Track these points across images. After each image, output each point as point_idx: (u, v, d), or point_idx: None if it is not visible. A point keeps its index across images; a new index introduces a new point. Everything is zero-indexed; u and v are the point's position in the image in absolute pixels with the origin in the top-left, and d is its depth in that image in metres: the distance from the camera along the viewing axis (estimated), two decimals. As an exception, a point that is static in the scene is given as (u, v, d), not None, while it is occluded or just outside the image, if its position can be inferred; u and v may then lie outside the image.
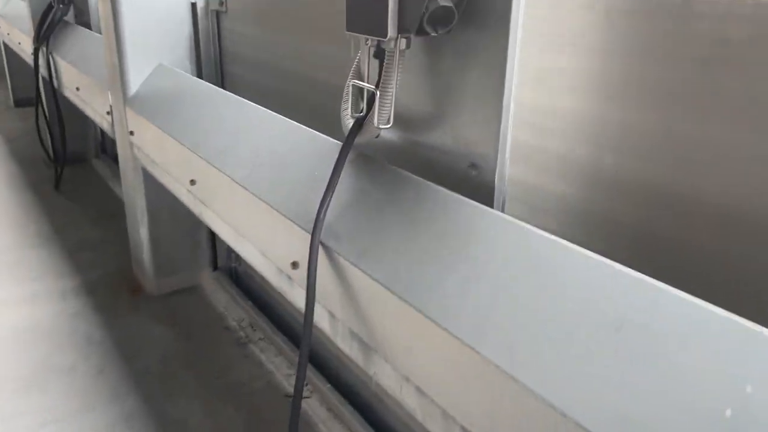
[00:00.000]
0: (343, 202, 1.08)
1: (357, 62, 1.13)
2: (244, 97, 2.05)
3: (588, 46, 0.94)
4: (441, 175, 1.06)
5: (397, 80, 0.99)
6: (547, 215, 1.11)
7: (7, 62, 4.41)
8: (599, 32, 0.93)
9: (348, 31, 1.02)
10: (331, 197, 1.06)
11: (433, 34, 0.91)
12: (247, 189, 1.28)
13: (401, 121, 1.12)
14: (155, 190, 2.03)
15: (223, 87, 2.10)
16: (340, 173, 1.07)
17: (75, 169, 3.36)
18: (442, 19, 0.90)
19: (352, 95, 1.10)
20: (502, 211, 0.98)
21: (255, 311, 2.07)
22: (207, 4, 2.01)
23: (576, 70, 0.97)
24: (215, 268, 2.31)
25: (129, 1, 1.89)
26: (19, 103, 4.53)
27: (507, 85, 0.93)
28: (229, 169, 1.36)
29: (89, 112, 2.45)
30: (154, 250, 2.16)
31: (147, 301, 2.19)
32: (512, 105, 0.95)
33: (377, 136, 1.09)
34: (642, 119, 0.93)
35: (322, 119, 1.67)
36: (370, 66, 1.06)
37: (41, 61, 3.01)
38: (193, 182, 1.54)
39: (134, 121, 1.90)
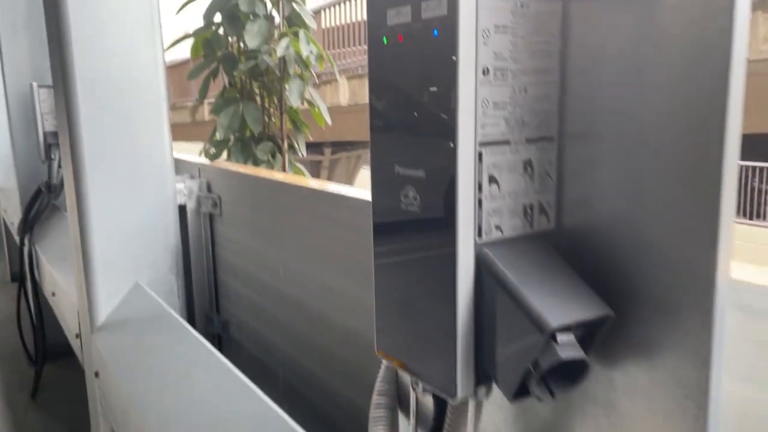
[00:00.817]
0: None
1: (385, 370, 0.71)
2: (240, 319, 1.64)
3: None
4: None
5: (473, 456, 0.55)
6: None
7: (6, 236, 4.16)
8: None
9: (380, 353, 0.60)
10: None
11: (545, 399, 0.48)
12: None
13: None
14: (127, 441, 1.57)
15: (216, 302, 1.71)
16: None
17: (60, 366, 2.91)
18: (564, 375, 0.47)
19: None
20: None
21: None
22: (198, 205, 1.67)
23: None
24: None
25: (101, 209, 1.54)
26: (15, 278, 4.22)
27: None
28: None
29: (63, 325, 2.05)
30: None
31: None
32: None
33: None
34: None
35: (336, 370, 1.23)
36: (418, 402, 0.62)
37: (26, 248, 2.69)
38: (158, 483, 1.08)
39: (100, 361, 1.48)
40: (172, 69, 11.46)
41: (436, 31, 0.47)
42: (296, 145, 2.28)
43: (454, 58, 0.46)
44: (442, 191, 0.49)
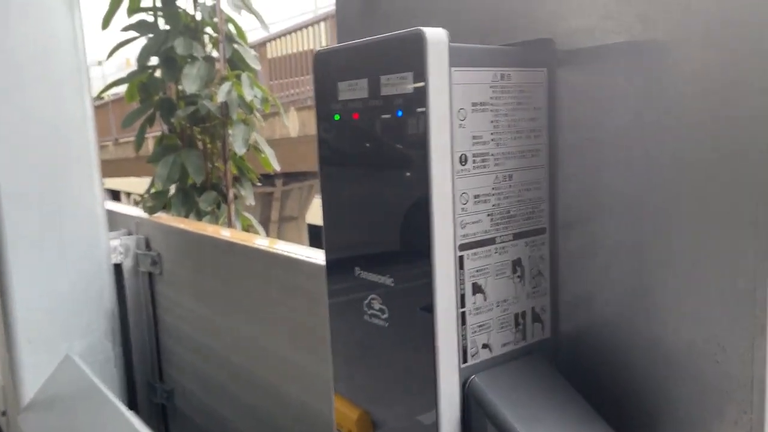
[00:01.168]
0: None
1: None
2: (186, 388, 1.50)
3: None
4: None
5: None
6: None
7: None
8: None
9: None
10: None
11: None
12: None
13: None
14: None
15: (159, 370, 1.56)
16: None
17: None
18: None
19: None
20: None
21: None
22: (136, 263, 1.53)
23: None
24: None
25: (23, 272, 1.38)
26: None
27: None
28: None
29: (-13, 397, 1.85)
30: None
31: None
32: None
33: None
34: None
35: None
36: None
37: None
38: None
39: (25, 448, 1.32)
40: (116, 103, 11.12)
41: (400, 112, 0.38)
42: (242, 193, 2.16)
43: (423, 145, 0.36)
44: (416, 306, 0.39)
